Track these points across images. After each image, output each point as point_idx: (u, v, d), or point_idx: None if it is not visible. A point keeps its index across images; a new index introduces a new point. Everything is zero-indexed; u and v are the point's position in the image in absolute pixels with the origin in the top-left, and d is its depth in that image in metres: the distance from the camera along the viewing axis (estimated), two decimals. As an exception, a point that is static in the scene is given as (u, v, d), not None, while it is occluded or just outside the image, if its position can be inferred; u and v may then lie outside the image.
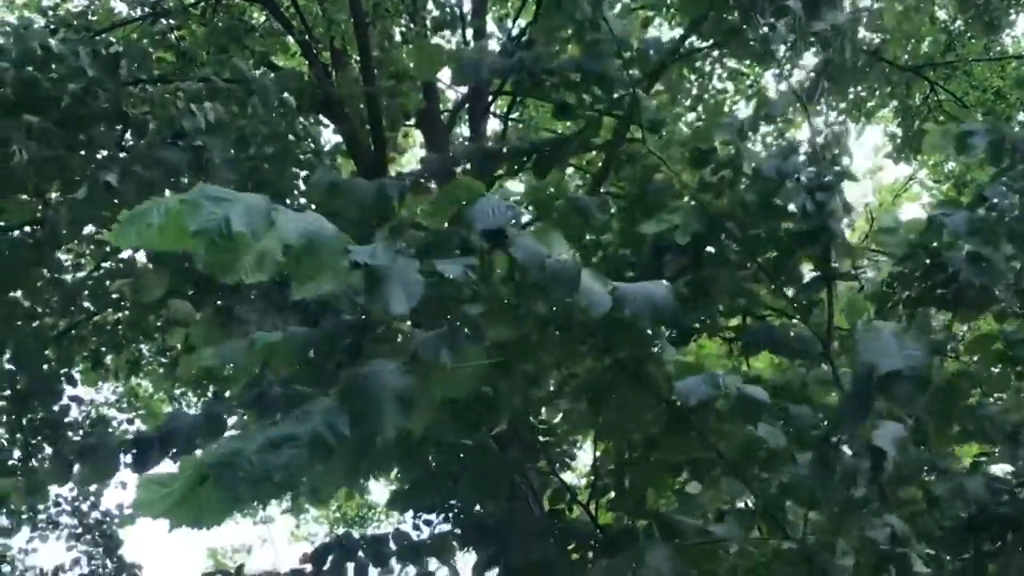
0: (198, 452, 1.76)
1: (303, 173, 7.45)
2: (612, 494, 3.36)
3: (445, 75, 8.81)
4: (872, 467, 2.61)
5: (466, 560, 3.76)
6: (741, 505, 3.30)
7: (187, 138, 6.35)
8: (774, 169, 3.23)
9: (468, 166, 4.08)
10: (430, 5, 9.66)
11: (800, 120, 3.59)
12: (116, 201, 6.10)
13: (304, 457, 1.77)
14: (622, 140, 3.98)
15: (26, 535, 10.27)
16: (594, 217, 3.25)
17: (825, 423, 3.05)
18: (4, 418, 8.23)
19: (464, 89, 10.71)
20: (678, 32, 9.53)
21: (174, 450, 2.35)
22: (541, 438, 3.69)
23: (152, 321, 7.79)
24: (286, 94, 7.36)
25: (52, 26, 7.60)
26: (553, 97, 3.69)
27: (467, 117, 10.27)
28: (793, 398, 3.54)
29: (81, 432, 8.79)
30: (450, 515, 3.70)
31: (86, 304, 7.77)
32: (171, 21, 8.88)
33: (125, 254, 7.44)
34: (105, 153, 6.56)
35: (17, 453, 8.44)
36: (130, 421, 11.05)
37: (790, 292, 3.63)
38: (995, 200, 3.31)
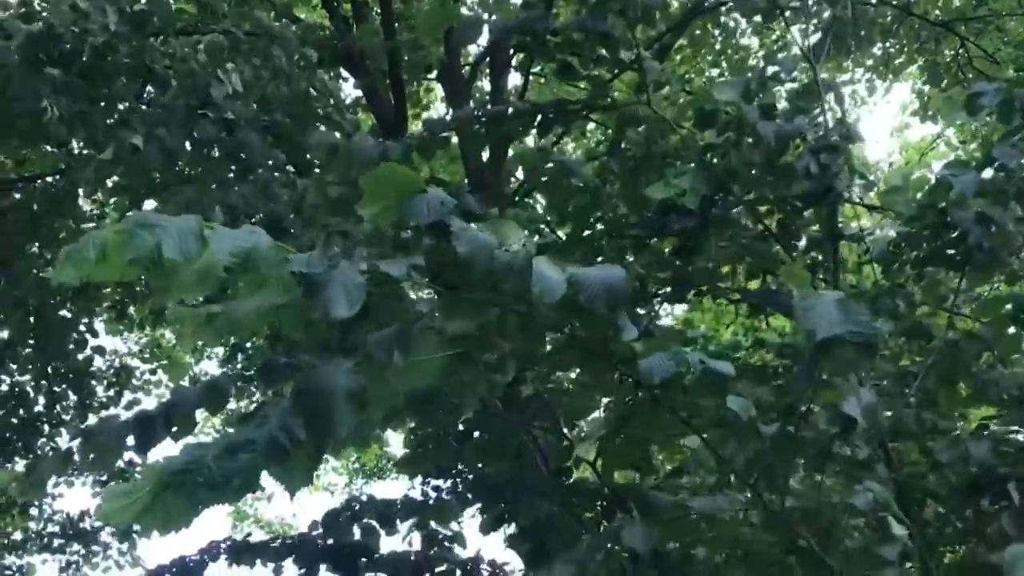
0: (160, 460, 1.83)
1: (322, 129, 7.46)
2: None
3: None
4: (841, 433, 2.62)
5: (471, 526, 3.83)
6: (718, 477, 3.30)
7: (216, 108, 6.38)
8: (773, 131, 3.22)
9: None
10: (452, -43, 9.56)
11: (808, 80, 3.53)
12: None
13: (260, 461, 1.83)
14: (633, 102, 3.95)
15: (52, 480, 10.52)
16: (586, 180, 3.24)
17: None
18: (29, 366, 8.41)
19: (485, 43, 10.64)
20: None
21: (176, 428, 2.39)
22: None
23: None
24: (307, 48, 7.35)
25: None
26: (556, 58, 3.65)
27: (488, 71, 10.22)
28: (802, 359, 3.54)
29: (105, 381, 8.98)
30: (458, 481, 3.75)
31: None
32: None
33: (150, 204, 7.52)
34: (127, 105, 6.60)
35: (42, 400, 8.65)
36: (152, 371, 11.29)
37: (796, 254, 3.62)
38: (1004, 161, 3.27)
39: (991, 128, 10.20)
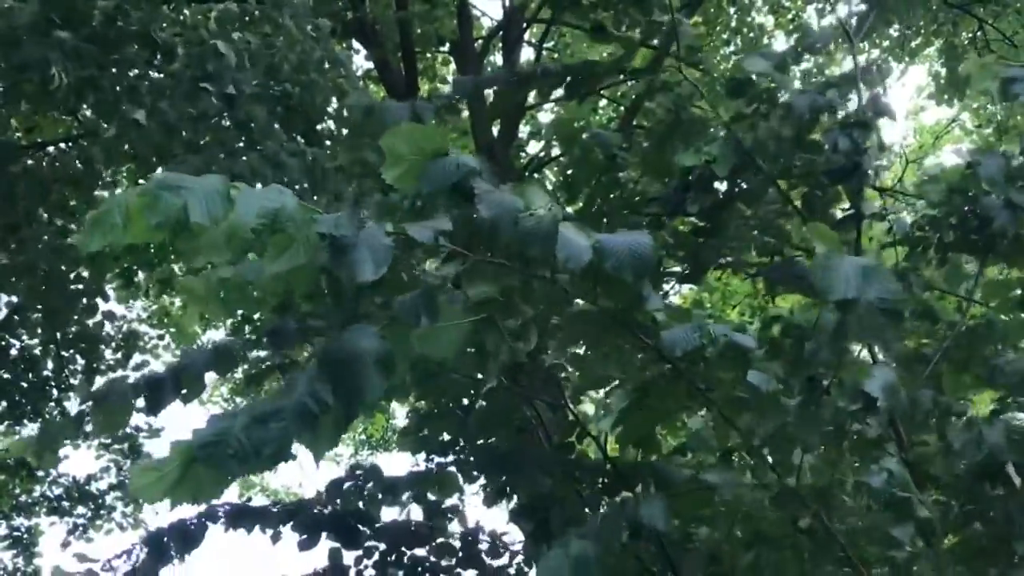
0: (189, 435, 1.80)
1: (333, 99, 7.41)
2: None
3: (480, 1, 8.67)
4: (862, 411, 2.59)
5: (474, 502, 3.81)
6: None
7: (217, 82, 6.32)
8: (807, 104, 3.16)
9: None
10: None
11: (840, 56, 3.47)
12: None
13: (291, 429, 1.81)
14: (658, 67, 3.88)
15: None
16: (617, 152, 3.18)
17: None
18: (38, 330, 8.42)
19: (499, 16, 10.56)
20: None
21: (185, 390, 2.37)
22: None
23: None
24: (321, 18, 7.29)
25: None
26: (590, 17, 3.58)
27: (500, 45, 10.16)
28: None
29: (113, 344, 9.00)
30: (461, 456, 3.73)
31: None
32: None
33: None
34: (136, 72, 6.55)
35: (51, 364, 8.67)
36: (160, 337, 11.31)
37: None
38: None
39: (1007, 113, 10.12)
